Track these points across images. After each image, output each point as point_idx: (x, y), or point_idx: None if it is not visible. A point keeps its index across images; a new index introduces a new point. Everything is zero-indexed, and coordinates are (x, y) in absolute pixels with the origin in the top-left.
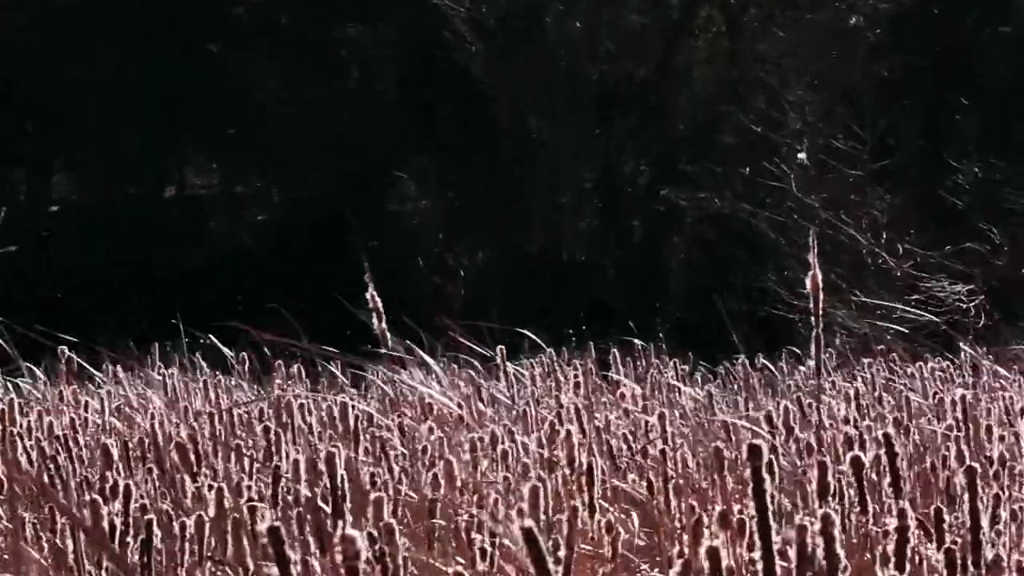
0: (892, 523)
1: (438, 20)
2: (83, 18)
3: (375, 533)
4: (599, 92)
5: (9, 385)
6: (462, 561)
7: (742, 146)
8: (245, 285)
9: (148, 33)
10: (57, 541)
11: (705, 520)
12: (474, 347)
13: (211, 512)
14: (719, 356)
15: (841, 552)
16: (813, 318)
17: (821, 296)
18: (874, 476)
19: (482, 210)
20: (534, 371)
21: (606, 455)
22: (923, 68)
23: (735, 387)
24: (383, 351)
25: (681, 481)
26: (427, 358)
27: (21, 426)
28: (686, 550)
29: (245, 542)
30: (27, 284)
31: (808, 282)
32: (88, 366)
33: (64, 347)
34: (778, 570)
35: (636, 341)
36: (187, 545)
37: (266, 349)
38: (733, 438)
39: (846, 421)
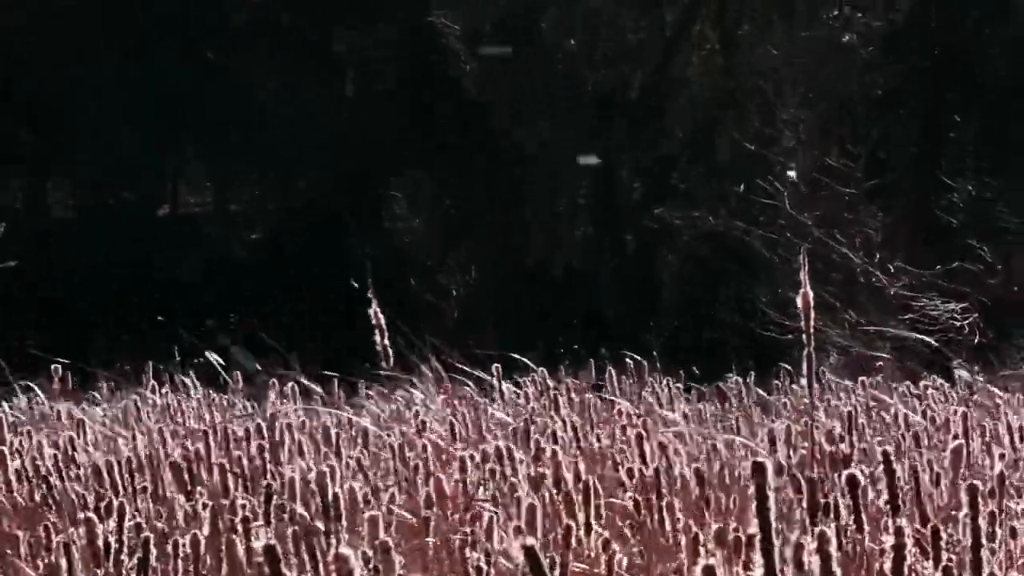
0: (889, 541)
1: (433, 24)
2: (83, 18)
3: (369, 552)
4: (593, 105)
5: (3, 402)
6: None
7: (736, 162)
8: (242, 289)
9: (148, 33)
10: (52, 559)
11: (701, 538)
12: (472, 365)
13: (205, 530)
14: (713, 372)
15: (838, 570)
16: (804, 336)
17: (812, 315)
18: (872, 495)
19: (480, 215)
20: (528, 390)
21: (601, 473)
22: (919, 81)
23: (729, 405)
24: (384, 370)
25: (676, 500)
26: (424, 374)
27: (12, 445)
28: (683, 568)
29: (239, 560)
30: (27, 285)
31: (799, 300)
32: (82, 388)
33: (58, 366)
34: None
35: (630, 359)
36: (180, 564)
37: (258, 367)
38: (728, 456)
39: (840, 439)
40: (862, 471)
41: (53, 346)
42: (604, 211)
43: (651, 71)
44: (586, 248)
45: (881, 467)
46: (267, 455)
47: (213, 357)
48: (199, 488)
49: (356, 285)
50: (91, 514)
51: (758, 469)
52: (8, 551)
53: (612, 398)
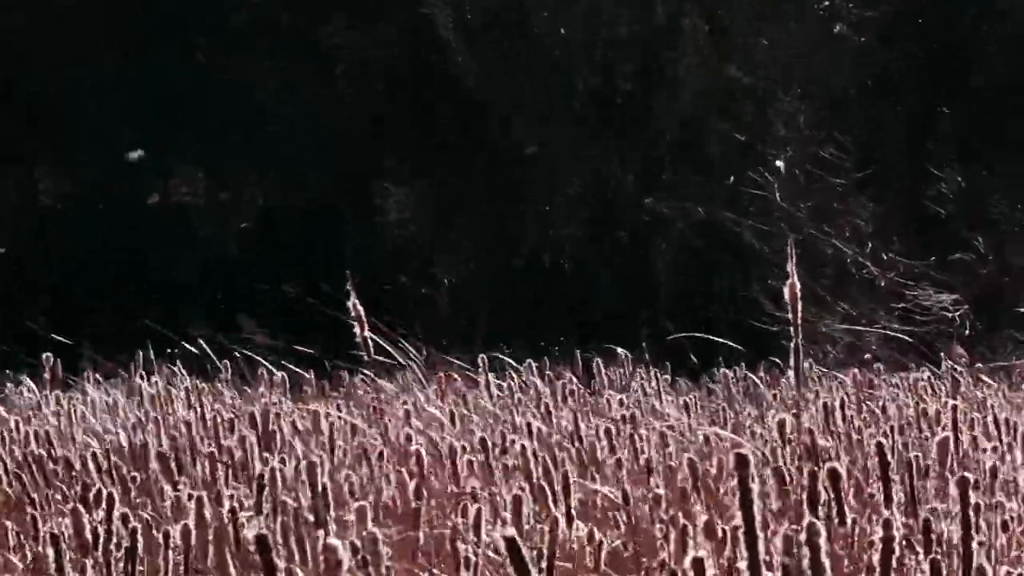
0: (878, 533)
1: (431, 23)
2: (83, 18)
3: (358, 543)
4: (587, 97)
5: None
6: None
7: (727, 154)
8: (237, 283)
9: (148, 33)
10: (40, 549)
11: (690, 530)
12: (462, 355)
13: (192, 521)
14: (704, 364)
15: (827, 561)
16: (792, 328)
17: (800, 306)
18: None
19: (476, 211)
20: (514, 383)
21: (583, 463)
22: (910, 72)
23: (720, 395)
24: (365, 361)
25: (664, 491)
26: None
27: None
28: (670, 559)
29: (228, 551)
30: (26, 284)
31: (786, 292)
32: (71, 376)
33: (49, 355)
34: None
35: (620, 350)
36: (171, 554)
37: (249, 352)
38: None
39: (830, 431)
40: (850, 463)
41: (45, 332)
42: (598, 204)
43: (642, 63)
44: (580, 240)
45: (868, 459)
46: (258, 446)
47: (203, 347)
48: (183, 479)
49: (349, 278)
50: (78, 504)
51: (741, 462)
52: None
53: (601, 389)
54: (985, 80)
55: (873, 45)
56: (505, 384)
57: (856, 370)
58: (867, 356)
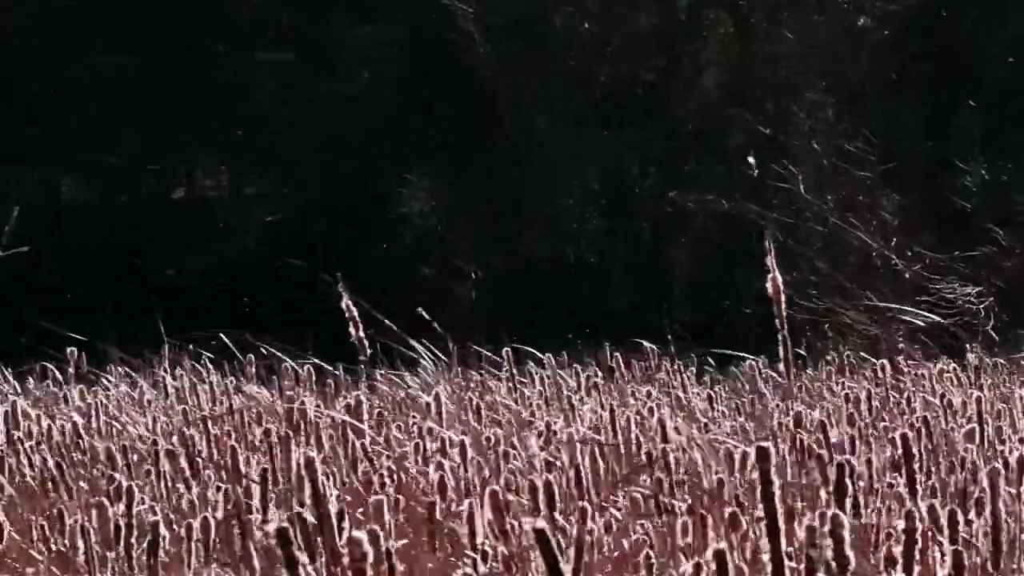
0: (900, 524)
1: (440, 20)
2: (83, 18)
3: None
4: (605, 92)
5: (17, 386)
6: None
7: (750, 147)
8: (249, 286)
9: (148, 33)
10: (66, 542)
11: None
12: (485, 349)
13: (218, 514)
14: (728, 357)
15: (851, 553)
16: (777, 321)
17: (783, 299)
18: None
19: (486, 211)
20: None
21: (616, 457)
22: (933, 65)
23: (742, 388)
24: (361, 359)
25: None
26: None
27: (24, 430)
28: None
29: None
30: (27, 285)
31: (768, 286)
32: (95, 370)
33: (73, 348)
34: (787, 572)
35: (643, 344)
36: (193, 546)
37: (263, 349)
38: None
39: (851, 423)
40: (874, 454)
41: (63, 330)
42: (616, 200)
43: (665, 57)
44: (598, 238)
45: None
46: (281, 441)
47: (226, 342)
48: (207, 472)
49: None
50: (103, 498)
51: (762, 455)
52: (17, 535)
53: (624, 384)
54: (1009, 73)
55: (896, 38)
56: (527, 381)
57: (883, 361)
58: (899, 345)
